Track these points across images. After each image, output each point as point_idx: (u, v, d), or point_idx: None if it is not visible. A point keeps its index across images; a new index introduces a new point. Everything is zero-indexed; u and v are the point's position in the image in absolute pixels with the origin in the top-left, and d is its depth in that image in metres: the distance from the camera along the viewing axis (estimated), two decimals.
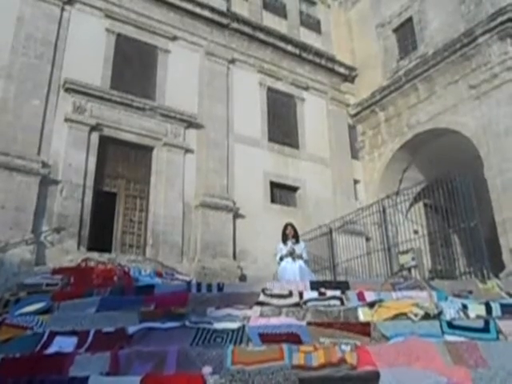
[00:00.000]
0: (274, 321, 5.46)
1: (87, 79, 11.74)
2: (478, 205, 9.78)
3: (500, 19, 12.35)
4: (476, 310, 5.86)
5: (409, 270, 10.95)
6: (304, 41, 16.66)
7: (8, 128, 10.53)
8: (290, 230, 8.99)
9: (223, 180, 13.16)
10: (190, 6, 14.09)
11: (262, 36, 15.40)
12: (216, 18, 14.52)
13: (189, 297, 6.56)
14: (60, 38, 11.88)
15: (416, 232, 11.80)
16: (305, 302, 6.21)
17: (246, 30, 15.11)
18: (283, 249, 8.86)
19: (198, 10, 14.22)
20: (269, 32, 15.59)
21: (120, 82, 12.41)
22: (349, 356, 4.34)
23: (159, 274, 9.51)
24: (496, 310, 5.89)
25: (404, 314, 5.50)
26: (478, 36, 12.83)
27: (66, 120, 11.33)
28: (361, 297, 6.38)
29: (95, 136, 11.63)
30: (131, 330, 5.20)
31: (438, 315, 5.52)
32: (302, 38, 16.82)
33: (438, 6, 14.63)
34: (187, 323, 5.31)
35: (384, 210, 11.86)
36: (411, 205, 13.95)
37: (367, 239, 13.64)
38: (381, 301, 5.98)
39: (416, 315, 5.41)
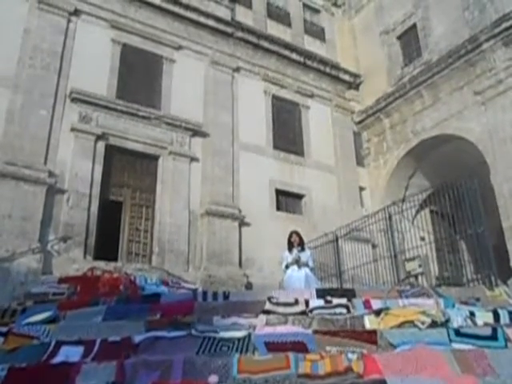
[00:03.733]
0: (280, 329, 5.44)
1: (93, 89, 11.84)
2: (485, 211, 9.70)
3: (504, 25, 12.37)
4: (484, 317, 5.82)
5: (415, 277, 10.90)
6: (308, 49, 16.75)
7: (15, 138, 10.62)
8: (295, 238, 8.96)
9: (229, 188, 13.18)
10: (194, 16, 14.20)
11: (266, 44, 15.48)
12: (221, 27, 14.62)
13: (195, 305, 6.55)
14: (66, 48, 12.00)
15: (423, 239, 11.74)
16: (311, 310, 6.18)
17: (251, 38, 15.19)
18: (289, 257, 8.83)
19: (202, 19, 14.32)
20: (273, 40, 15.67)
21: (125, 91, 12.50)
22: (355, 364, 4.32)
23: (165, 283, 9.52)
24: (504, 317, 5.84)
25: (411, 322, 5.47)
26: (482, 42, 12.84)
27: (73, 130, 11.41)
28: (367, 304, 6.34)
29: (101, 145, 11.70)
30: (137, 339, 5.19)
31: (446, 323, 5.49)
32: (307, 45, 16.91)
33: (441, 12, 14.66)
34: (193, 332, 5.30)
35: (390, 217, 11.80)
36: (417, 211, 13.89)
37: (373, 246, 13.58)
38: (387, 308, 5.95)
39: (423, 323, 5.38)
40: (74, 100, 11.62)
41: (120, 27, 13.00)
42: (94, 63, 12.14)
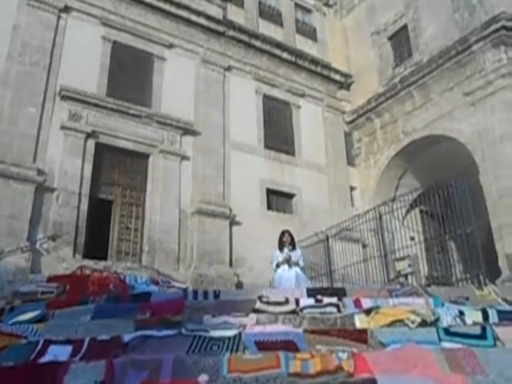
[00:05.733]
0: (270, 328, 5.42)
1: (83, 87, 11.75)
2: (474, 211, 9.79)
3: (494, 27, 12.45)
4: (473, 316, 5.84)
5: (405, 276, 10.94)
6: (300, 48, 16.76)
7: (3, 136, 10.52)
8: (286, 237, 8.96)
9: (219, 187, 13.15)
10: (185, 14, 14.14)
11: (258, 43, 15.47)
12: (212, 25, 14.58)
13: (185, 304, 6.51)
14: (56, 45, 11.90)
15: (412, 238, 11.81)
16: (301, 309, 6.17)
17: (242, 37, 15.17)
18: (279, 256, 8.83)
19: (193, 17, 14.27)
20: (265, 39, 15.66)
21: (116, 89, 12.42)
22: (346, 363, 4.31)
23: (155, 282, 9.46)
24: (493, 316, 5.87)
25: (401, 321, 5.47)
26: (472, 43, 12.92)
27: (62, 127, 11.32)
28: (357, 304, 6.35)
29: (91, 143, 11.62)
30: (127, 338, 5.14)
31: (435, 322, 5.49)
32: (298, 45, 16.93)
33: (432, 13, 14.74)
34: (183, 331, 5.26)
35: (380, 217, 11.87)
36: (407, 211, 13.95)
37: (364, 246, 13.64)
38: (377, 307, 5.95)
39: (413, 322, 5.38)
40: (63, 98, 11.53)
41: (110, 24, 12.91)
42: (84, 60, 12.05)
